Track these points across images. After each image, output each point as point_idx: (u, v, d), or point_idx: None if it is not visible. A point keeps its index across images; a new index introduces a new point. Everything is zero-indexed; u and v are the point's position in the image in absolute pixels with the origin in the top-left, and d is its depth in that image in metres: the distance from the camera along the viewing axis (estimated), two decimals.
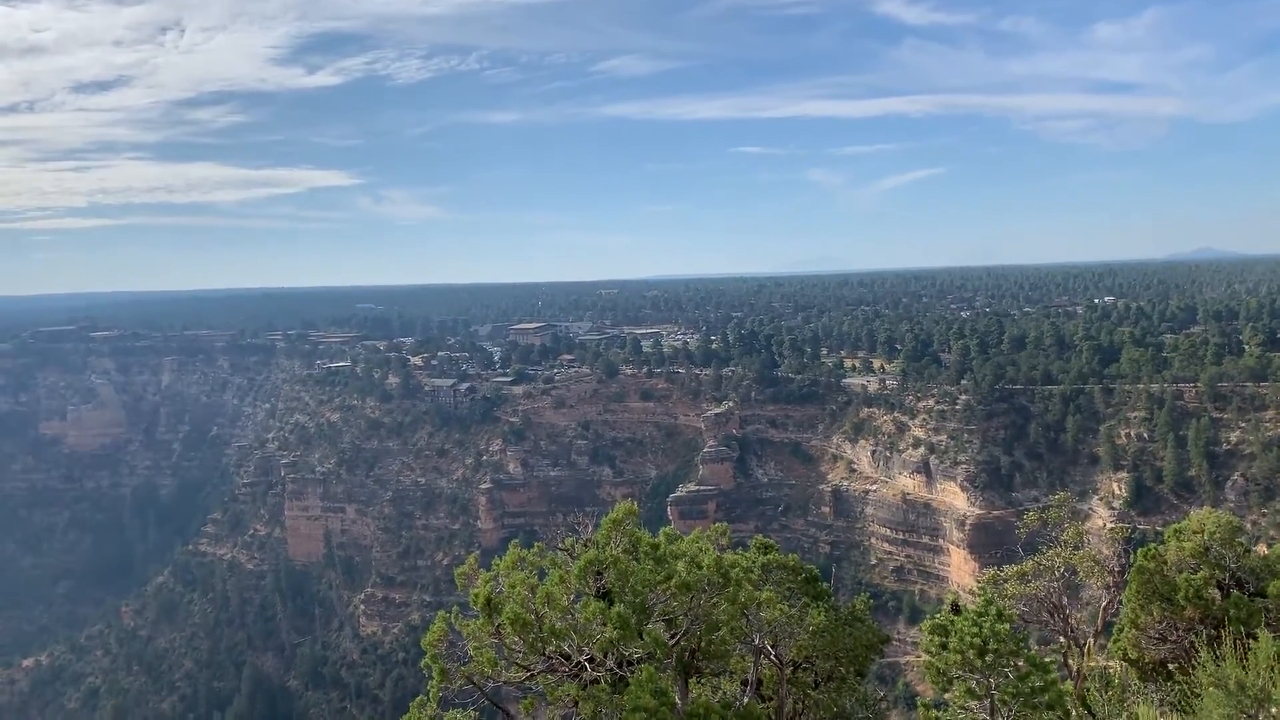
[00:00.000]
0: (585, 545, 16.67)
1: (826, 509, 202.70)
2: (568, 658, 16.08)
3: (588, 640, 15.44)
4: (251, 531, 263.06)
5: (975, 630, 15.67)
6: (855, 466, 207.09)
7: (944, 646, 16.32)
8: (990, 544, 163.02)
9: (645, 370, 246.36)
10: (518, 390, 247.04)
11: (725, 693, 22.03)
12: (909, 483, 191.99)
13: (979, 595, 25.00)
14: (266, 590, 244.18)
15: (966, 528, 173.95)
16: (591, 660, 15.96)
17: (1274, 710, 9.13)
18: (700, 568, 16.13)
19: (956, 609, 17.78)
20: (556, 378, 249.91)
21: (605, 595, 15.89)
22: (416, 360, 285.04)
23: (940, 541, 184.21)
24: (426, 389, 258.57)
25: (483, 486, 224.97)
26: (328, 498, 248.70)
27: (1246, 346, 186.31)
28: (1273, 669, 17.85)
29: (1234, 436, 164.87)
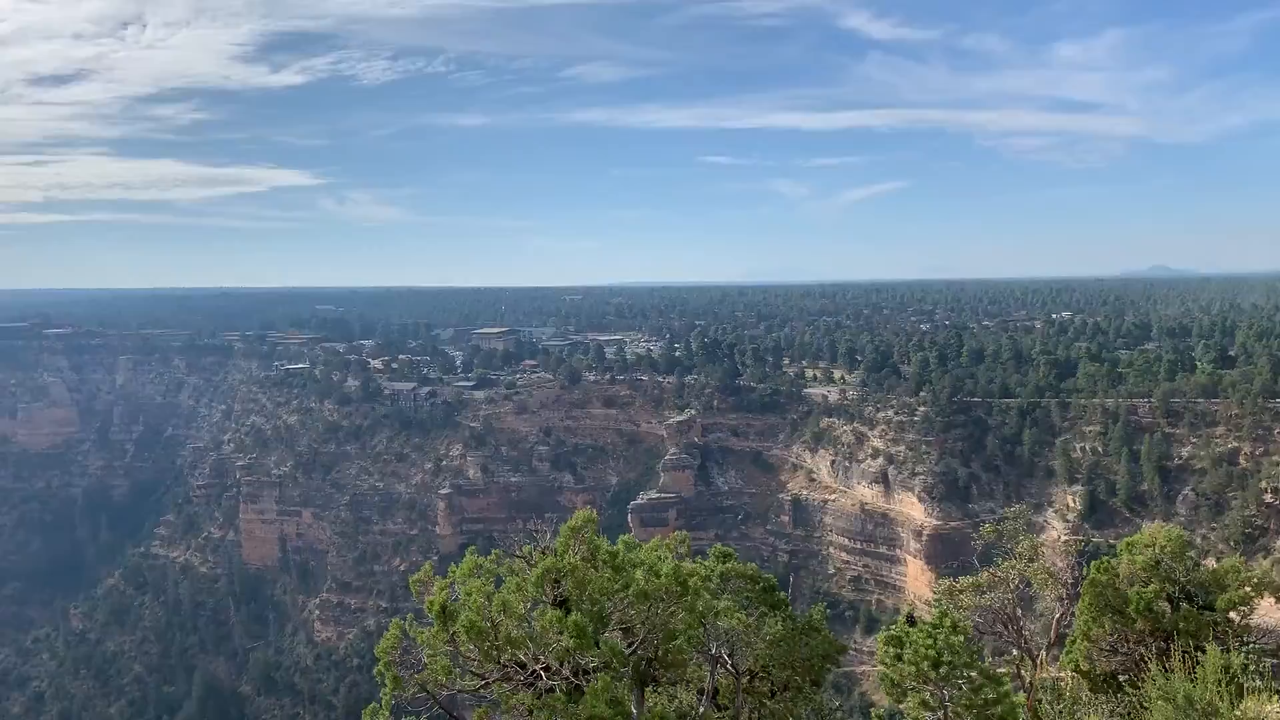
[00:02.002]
0: (543, 553, 16.57)
1: (786, 518, 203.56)
2: (523, 666, 15.96)
3: (544, 649, 15.34)
4: (205, 534, 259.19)
5: (930, 642, 15.78)
6: (815, 476, 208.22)
7: (899, 658, 16.42)
8: (947, 555, 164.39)
9: (608, 377, 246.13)
10: (479, 395, 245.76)
11: (682, 702, 21.99)
12: (867, 493, 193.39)
13: (935, 606, 25.19)
14: (220, 594, 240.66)
15: (923, 538, 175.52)
16: (547, 669, 15.85)
17: None
18: (658, 576, 16.08)
19: (912, 620, 17.90)
20: (519, 383, 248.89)
21: (562, 603, 15.79)
22: (376, 363, 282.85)
23: (897, 552, 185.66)
24: (386, 393, 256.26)
25: (442, 492, 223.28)
26: (283, 501, 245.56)
27: (1199, 363, 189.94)
28: (1220, 682, 18.14)
29: (1186, 452, 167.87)
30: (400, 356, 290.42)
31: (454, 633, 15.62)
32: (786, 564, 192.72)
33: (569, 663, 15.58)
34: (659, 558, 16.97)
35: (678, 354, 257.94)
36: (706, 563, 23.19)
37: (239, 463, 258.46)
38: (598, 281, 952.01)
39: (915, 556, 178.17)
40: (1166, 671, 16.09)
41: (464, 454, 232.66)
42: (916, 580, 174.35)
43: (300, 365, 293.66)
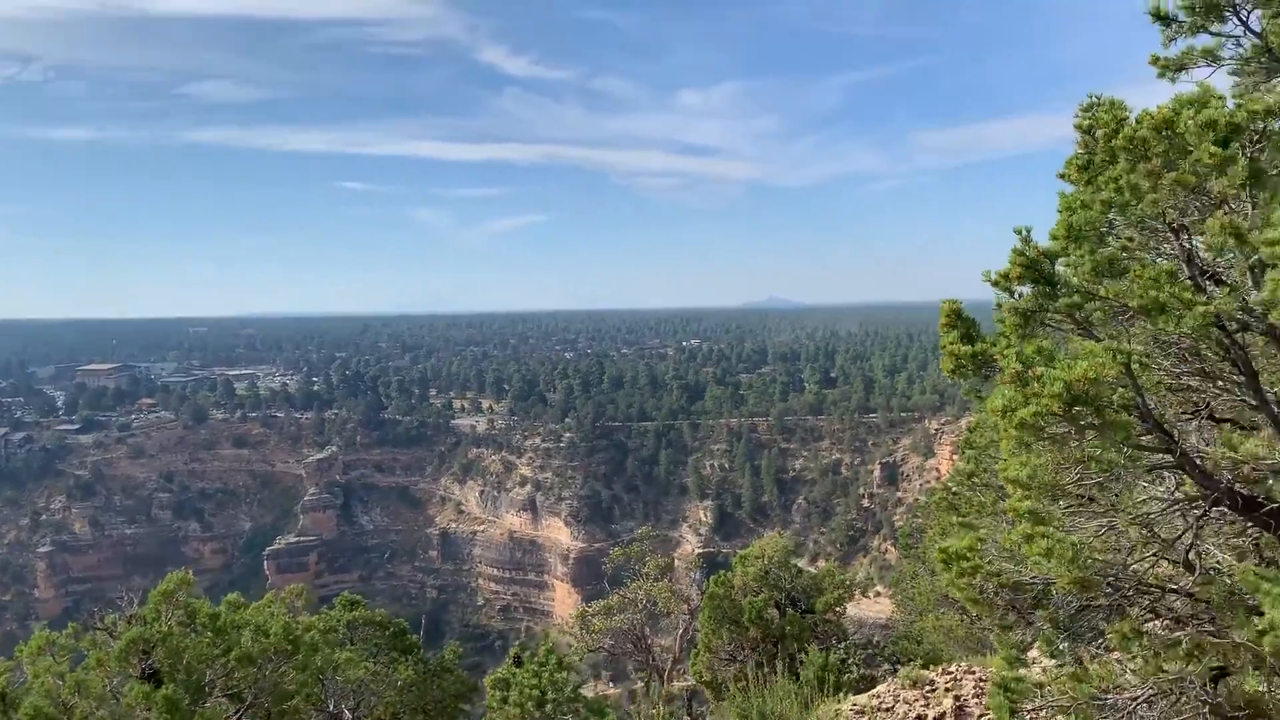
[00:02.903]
0: (129, 622, 14.80)
1: (434, 553, 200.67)
2: None
3: None
4: None
5: (535, 681, 15.97)
6: (464, 508, 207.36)
7: (505, 700, 16.46)
8: (592, 576, 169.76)
9: (239, 415, 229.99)
10: (86, 439, 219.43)
11: None
12: (516, 521, 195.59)
13: (565, 632, 25.58)
14: None
15: (570, 562, 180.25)
16: None
17: None
18: (267, 636, 14.92)
19: (519, 661, 18.02)
20: (134, 424, 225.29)
21: (154, 676, 14.17)
22: None
23: (545, 577, 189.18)
24: None
25: (41, 550, 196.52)
26: None
27: (807, 384, 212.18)
28: (818, 680, 19.92)
29: (798, 464, 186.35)
30: None
31: None
32: (435, 599, 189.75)
33: None
34: (270, 615, 15.77)
35: (316, 388, 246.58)
36: (332, 613, 22.06)
37: None
38: (225, 313, 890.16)
39: (562, 580, 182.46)
40: (771, 675, 17.32)
41: (68, 505, 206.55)
42: (564, 604, 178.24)
43: None
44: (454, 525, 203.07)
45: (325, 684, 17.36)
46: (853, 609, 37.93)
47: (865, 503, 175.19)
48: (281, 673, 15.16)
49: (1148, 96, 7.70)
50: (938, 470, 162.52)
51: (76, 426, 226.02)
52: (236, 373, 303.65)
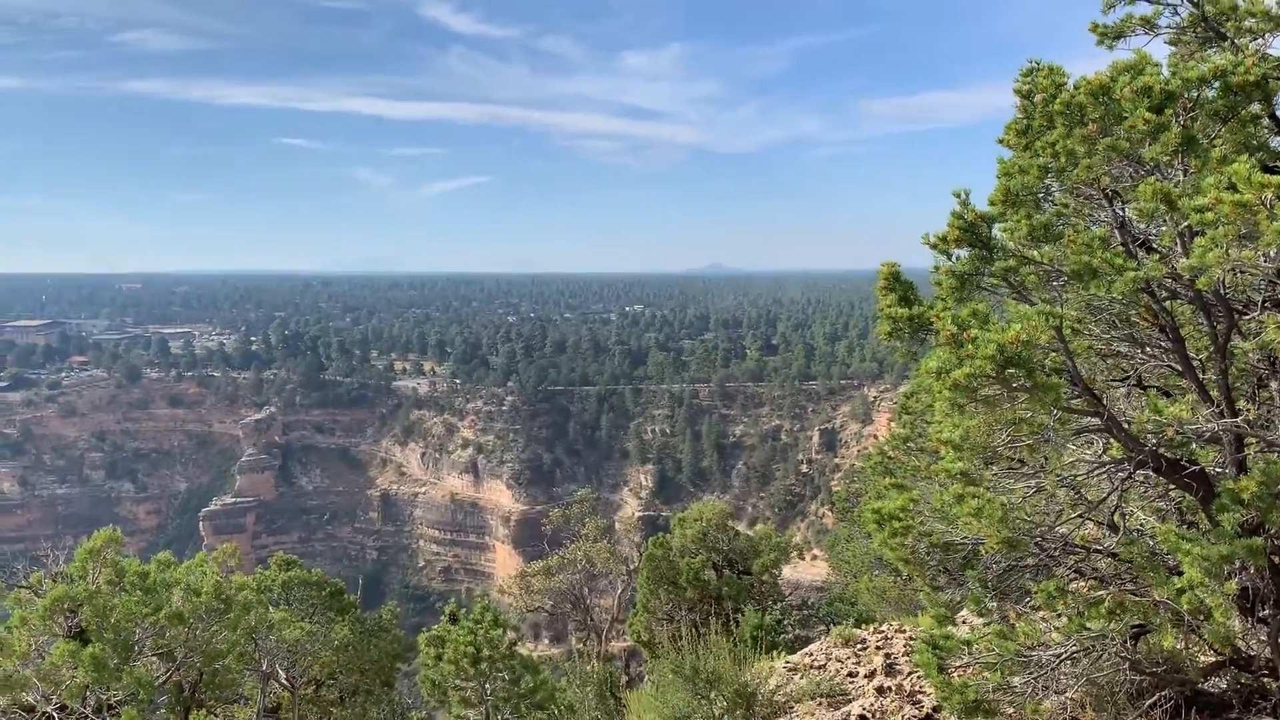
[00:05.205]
0: (55, 580, 14.46)
1: (375, 514, 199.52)
2: (32, 710, 13.84)
3: (55, 687, 13.37)
4: None
5: (470, 639, 15.94)
6: (405, 470, 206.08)
7: (439, 658, 16.41)
8: (533, 538, 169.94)
9: (174, 374, 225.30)
10: (15, 397, 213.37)
11: None
12: (458, 483, 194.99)
13: (505, 592, 25.58)
14: None
15: (511, 524, 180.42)
16: (64, 709, 13.88)
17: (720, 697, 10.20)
18: (198, 595, 14.68)
19: (454, 619, 17.98)
20: (65, 382, 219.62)
21: (80, 635, 13.88)
22: None
23: (486, 539, 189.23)
24: None
25: None
26: None
27: (748, 351, 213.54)
28: (753, 639, 20.19)
29: (739, 430, 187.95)
30: None
31: None
32: (376, 561, 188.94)
33: (89, 699, 13.74)
34: (201, 574, 15.52)
35: (255, 348, 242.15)
36: (267, 573, 21.83)
37: None
38: (160, 269, 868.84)
39: (504, 542, 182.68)
40: (706, 634, 17.47)
41: None
42: (505, 565, 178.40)
43: None
44: (395, 487, 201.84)
45: (259, 643, 17.18)
46: (789, 572, 38.44)
47: (804, 468, 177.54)
48: (213, 632, 14.97)
49: (1090, 68, 7.76)
50: (875, 437, 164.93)
51: (5, 384, 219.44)
52: (171, 331, 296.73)
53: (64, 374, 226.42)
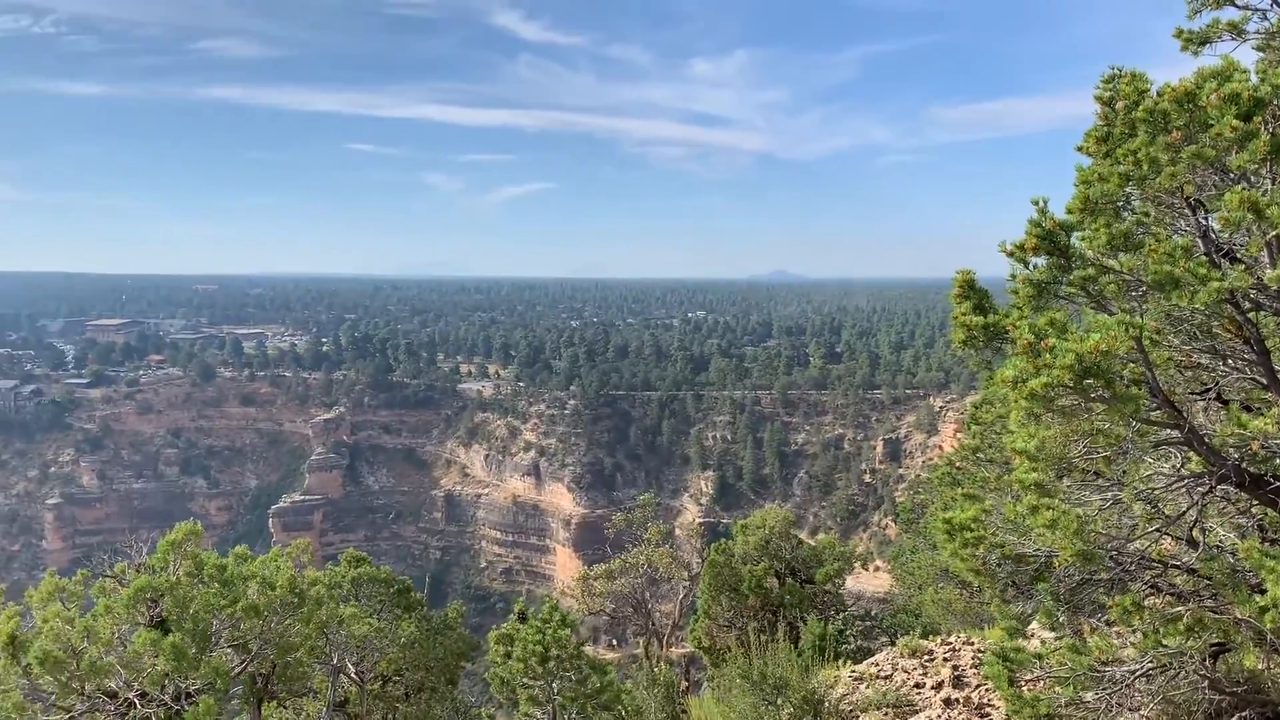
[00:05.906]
0: (138, 570, 14.96)
1: (439, 514, 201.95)
2: (114, 695, 14.32)
3: (137, 675, 13.83)
4: None
5: (539, 638, 16.09)
6: (469, 471, 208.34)
7: (508, 655, 16.59)
8: (594, 542, 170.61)
9: (247, 373, 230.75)
10: (95, 394, 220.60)
11: (308, 714, 21.03)
12: (520, 485, 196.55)
13: (568, 595, 25.77)
14: None
15: (572, 527, 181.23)
16: (144, 696, 14.34)
17: (789, 702, 10.19)
18: (273, 588, 15.07)
19: (523, 617, 18.16)
20: (142, 380, 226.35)
21: (161, 624, 14.34)
22: None
23: (547, 541, 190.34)
24: None
25: (50, 502, 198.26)
26: None
27: (811, 359, 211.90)
28: (814, 648, 20.08)
29: (800, 438, 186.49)
30: None
31: (26, 665, 13.66)
32: (439, 560, 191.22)
33: (169, 687, 14.18)
34: (276, 569, 15.93)
35: (325, 349, 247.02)
36: (337, 569, 22.28)
37: None
38: (235, 271, 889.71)
39: (564, 545, 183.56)
40: (772, 642, 17.40)
41: (76, 459, 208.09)
42: (565, 568, 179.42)
43: None
44: (459, 488, 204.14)
45: (329, 638, 17.57)
46: (851, 582, 38.12)
47: (866, 478, 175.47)
48: (286, 625, 15.34)
49: (1171, 75, 7.64)
50: (941, 448, 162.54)
51: (86, 380, 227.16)
52: (245, 331, 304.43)
53: (142, 372, 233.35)
